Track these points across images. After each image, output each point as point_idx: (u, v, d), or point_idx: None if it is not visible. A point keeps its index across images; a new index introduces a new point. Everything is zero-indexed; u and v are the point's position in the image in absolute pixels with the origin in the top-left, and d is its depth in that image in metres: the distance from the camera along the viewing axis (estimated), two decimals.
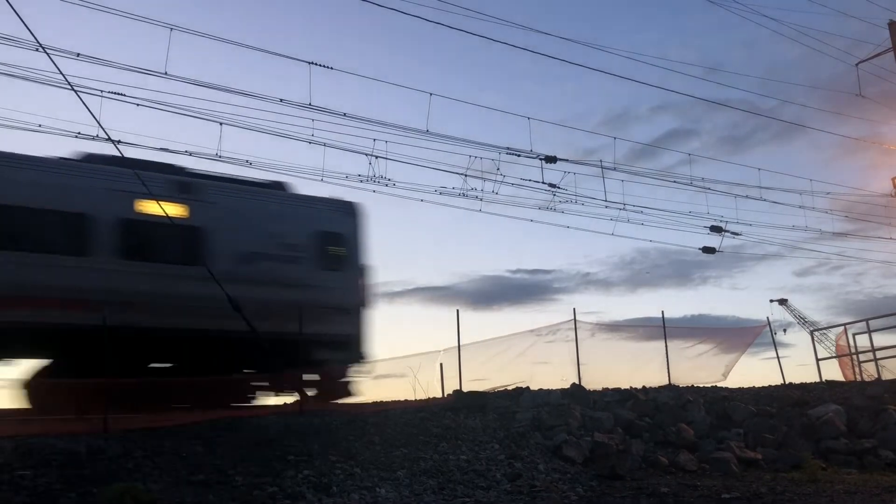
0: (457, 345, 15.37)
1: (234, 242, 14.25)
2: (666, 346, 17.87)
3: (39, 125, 13.91)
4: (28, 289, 12.17)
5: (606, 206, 20.33)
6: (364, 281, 15.83)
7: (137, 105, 13.92)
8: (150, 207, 13.12)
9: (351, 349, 15.16)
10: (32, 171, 12.81)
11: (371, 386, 15.43)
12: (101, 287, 12.70)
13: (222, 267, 13.38)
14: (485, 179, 18.39)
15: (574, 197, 19.61)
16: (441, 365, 15.11)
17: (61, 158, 13.54)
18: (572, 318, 16.72)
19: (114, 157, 12.77)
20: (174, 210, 13.49)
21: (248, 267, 14.20)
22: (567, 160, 19.29)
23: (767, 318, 22.09)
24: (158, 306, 13.13)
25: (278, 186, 15.55)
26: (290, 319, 13.46)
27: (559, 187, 19.26)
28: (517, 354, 16.92)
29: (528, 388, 14.25)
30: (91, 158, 13.63)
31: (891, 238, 27.50)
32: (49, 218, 12.75)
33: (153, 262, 13.48)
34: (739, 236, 22.95)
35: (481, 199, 18.63)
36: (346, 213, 16.04)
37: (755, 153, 69.76)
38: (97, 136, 12.69)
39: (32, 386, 12.52)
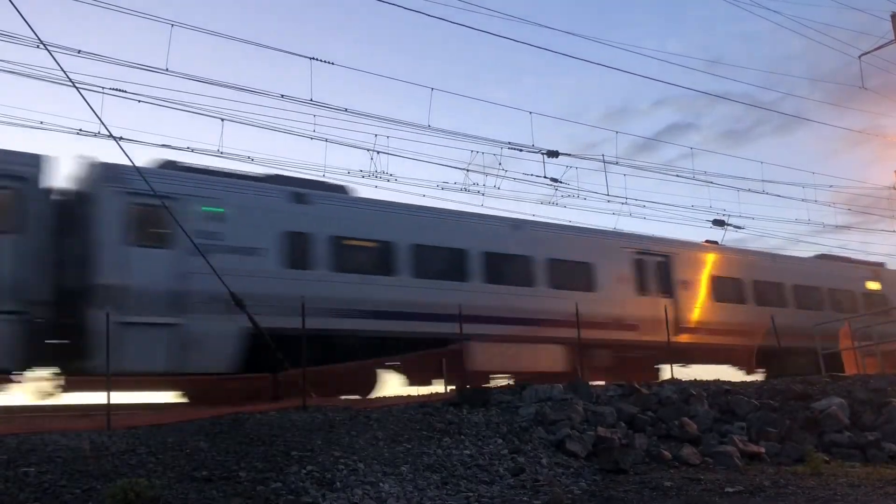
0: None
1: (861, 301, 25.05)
2: (668, 340, 17.89)
3: (41, 122, 13.97)
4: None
5: (608, 201, 20.46)
6: None
7: (139, 101, 13.98)
8: (870, 285, 25.59)
9: None
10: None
11: None
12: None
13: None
14: (486, 174, 18.47)
15: (576, 191, 19.69)
16: (443, 360, 15.12)
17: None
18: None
19: (843, 257, 25.74)
20: (877, 286, 25.54)
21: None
22: (569, 154, 19.32)
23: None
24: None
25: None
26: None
27: (561, 182, 19.32)
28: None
29: (530, 382, 14.23)
30: (826, 257, 25.66)
31: (893, 230, 27.52)
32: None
33: None
34: (742, 230, 23.10)
35: (483, 194, 18.72)
36: (875, 273, 26.64)
37: (757, 146, 69.63)
38: (98, 132, 12.74)
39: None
